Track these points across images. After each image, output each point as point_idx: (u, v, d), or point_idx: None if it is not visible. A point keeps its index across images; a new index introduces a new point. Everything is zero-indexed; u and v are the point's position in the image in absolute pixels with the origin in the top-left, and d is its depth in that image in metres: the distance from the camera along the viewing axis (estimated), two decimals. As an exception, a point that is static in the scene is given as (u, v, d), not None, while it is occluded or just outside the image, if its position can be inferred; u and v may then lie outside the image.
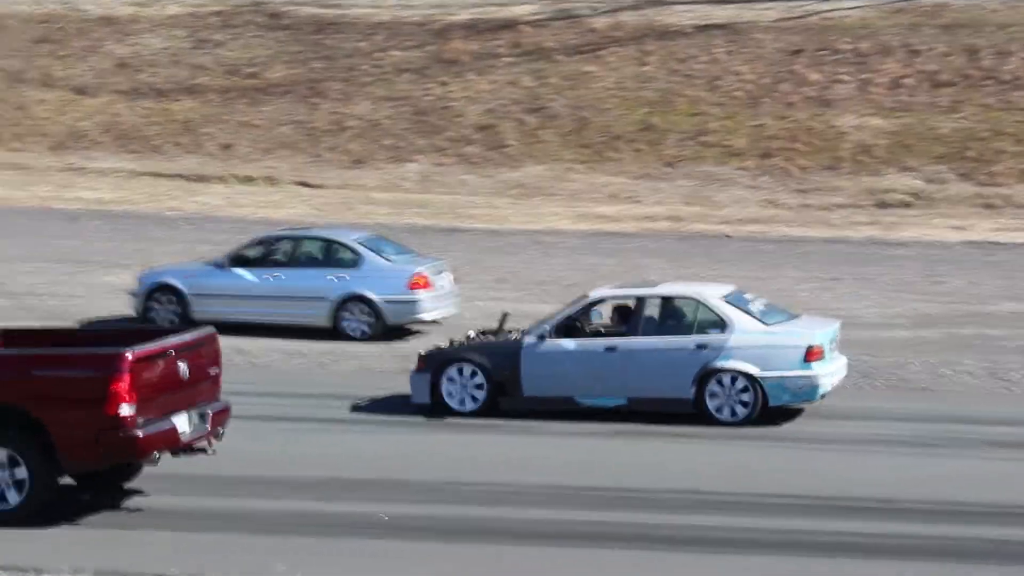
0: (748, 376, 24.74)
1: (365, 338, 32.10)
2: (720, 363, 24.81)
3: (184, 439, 20.13)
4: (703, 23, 62.20)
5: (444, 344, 27.19)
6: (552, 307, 35.34)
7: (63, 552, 17.87)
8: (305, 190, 54.62)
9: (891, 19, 60.74)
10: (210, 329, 21.61)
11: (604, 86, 60.01)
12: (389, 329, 32.32)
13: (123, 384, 18.99)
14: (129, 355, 19.15)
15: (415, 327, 32.71)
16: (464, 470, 22.49)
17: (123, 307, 33.88)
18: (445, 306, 33.03)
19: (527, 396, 25.72)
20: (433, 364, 26.14)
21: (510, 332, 26.87)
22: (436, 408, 26.00)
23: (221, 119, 61.88)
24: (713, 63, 60.04)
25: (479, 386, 25.79)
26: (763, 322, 25.33)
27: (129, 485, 21.34)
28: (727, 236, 46.07)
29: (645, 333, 25.48)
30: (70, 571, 17.06)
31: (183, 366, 20.09)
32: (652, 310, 25.88)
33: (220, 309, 32.42)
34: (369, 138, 59.90)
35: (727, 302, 25.44)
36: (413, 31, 64.62)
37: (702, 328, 25.20)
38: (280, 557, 17.63)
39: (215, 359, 21.20)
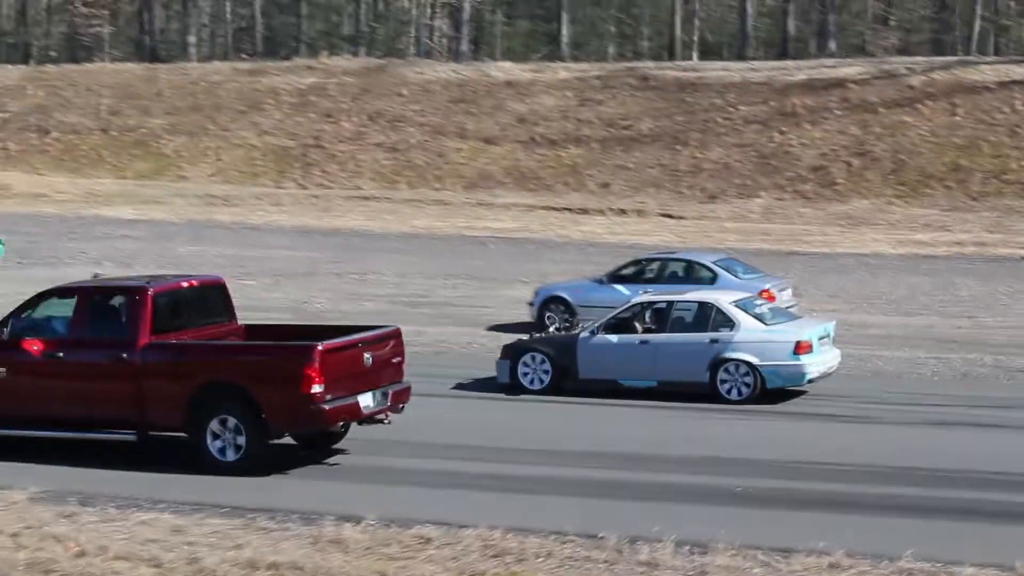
0: (750, 364, 25.25)
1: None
2: (728, 354, 25.35)
3: (366, 412, 20.97)
4: (1005, 79, 60.60)
5: (524, 337, 27.56)
6: (877, 318, 34.85)
7: (462, 511, 17.89)
8: (669, 220, 54.42)
9: None
10: (394, 328, 22.32)
11: (919, 133, 58.80)
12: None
13: (314, 369, 19.95)
14: (320, 347, 20.12)
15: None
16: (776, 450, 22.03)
17: (522, 315, 33.98)
18: (786, 316, 32.49)
19: (582, 378, 26.21)
20: (511, 353, 26.71)
21: (576, 329, 27.26)
22: (513, 388, 26.42)
23: (600, 163, 62.12)
24: (1013, 113, 58.46)
25: (546, 370, 26.30)
26: (763, 322, 25.76)
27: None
28: (1021, 258, 44.61)
29: (672, 330, 26.09)
30: (488, 526, 17.06)
31: (367, 356, 20.92)
32: (678, 312, 26.42)
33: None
34: (721, 178, 59.58)
35: (736, 306, 25.97)
36: (759, 89, 64.06)
37: (716, 327, 25.67)
38: (656, 521, 17.36)
39: (398, 350, 21.85)
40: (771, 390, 25.36)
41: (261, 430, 20.49)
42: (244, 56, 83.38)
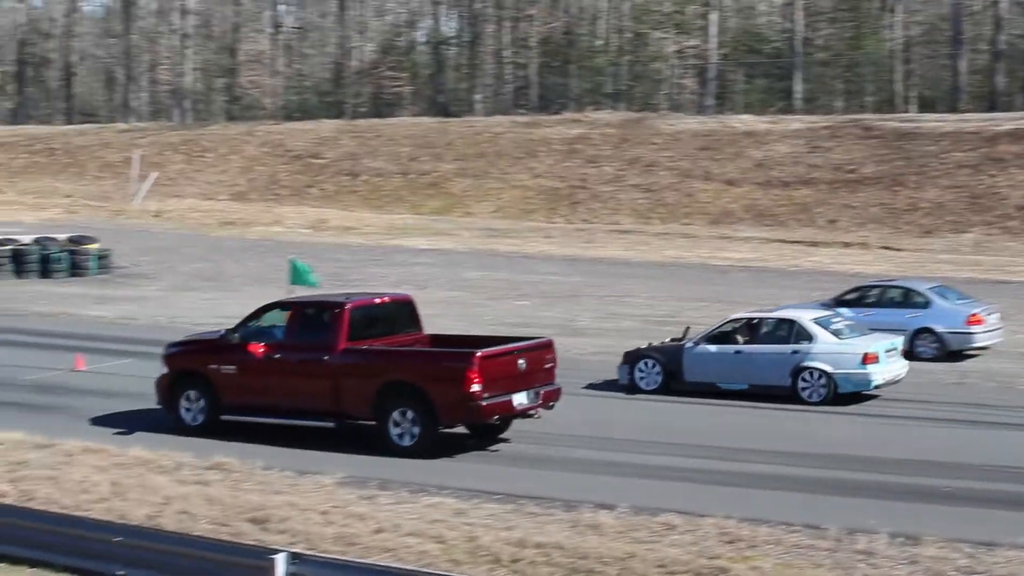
0: (825, 372, 25.45)
1: (932, 360, 30.70)
2: (807, 363, 25.59)
3: (518, 408, 21.67)
4: None
5: (642, 345, 27.75)
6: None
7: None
8: (888, 252, 53.33)
9: None
10: (546, 339, 23.00)
11: (1116, 176, 56.80)
12: (950, 353, 30.91)
13: (474, 372, 20.76)
14: (479, 354, 20.98)
15: (970, 352, 31.19)
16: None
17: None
18: (993, 338, 31.49)
19: (687, 381, 26.52)
20: (630, 359, 27.13)
21: (687, 340, 27.19)
22: (631, 388, 26.79)
23: (828, 202, 61.20)
24: None
25: (658, 374, 26.58)
26: (837, 337, 25.88)
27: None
28: None
29: (761, 341, 26.33)
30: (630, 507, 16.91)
31: (521, 362, 21.66)
32: (766, 327, 26.64)
33: (827, 337, 31.63)
34: (936, 215, 58.22)
35: (815, 323, 26.20)
36: (969, 138, 62.43)
37: (797, 339, 25.92)
38: (866, 515, 16.97)
39: (550, 357, 22.38)
40: (843, 394, 25.46)
41: (432, 421, 21.32)
42: (521, 111, 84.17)
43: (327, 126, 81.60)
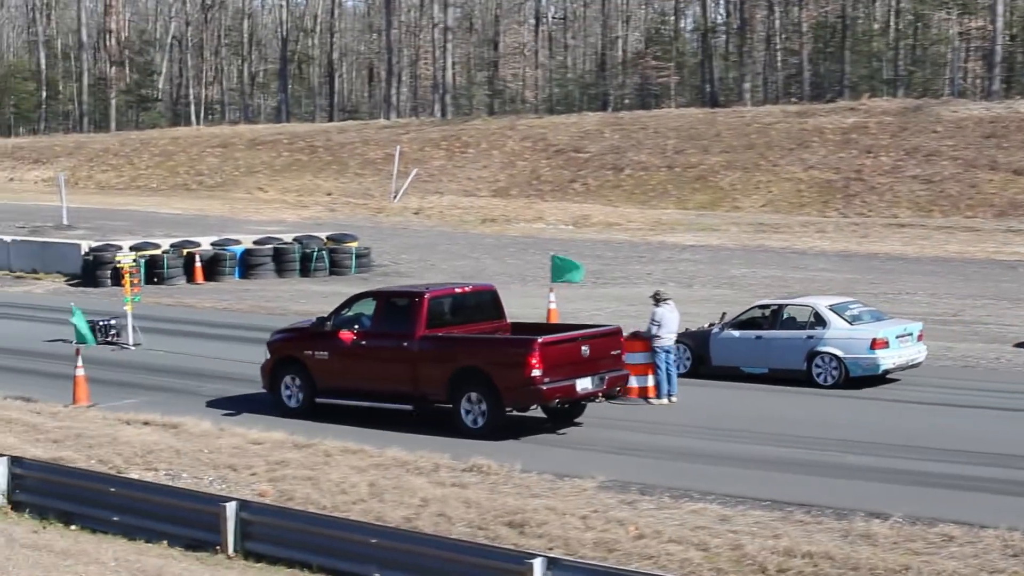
0: (836, 357, 26.93)
1: None
2: (820, 348, 27.08)
3: (580, 392, 23.08)
4: None
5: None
6: None
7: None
8: None
9: None
10: (614, 327, 24.54)
11: None
12: None
13: (535, 358, 22.33)
14: (540, 340, 22.59)
15: None
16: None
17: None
18: None
19: (714, 365, 28.20)
20: None
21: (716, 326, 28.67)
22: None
23: None
24: None
25: (688, 359, 28.23)
26: (849, 323, 27.20)
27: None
28: None
29: (779, 327, 27.77)
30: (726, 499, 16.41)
31: (585, 348, 23.11)
32: (785, 313, 28.04)
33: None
34: None
35: (830, 309, 27.50)
36: None
37: (812, 325, 27.38)
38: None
39: (616, 344, 23.95)
40: (854, 378, 26.79)
41: (498, 404, 22.86)
42: (793, 99, 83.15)
43: (590, 119, 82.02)
